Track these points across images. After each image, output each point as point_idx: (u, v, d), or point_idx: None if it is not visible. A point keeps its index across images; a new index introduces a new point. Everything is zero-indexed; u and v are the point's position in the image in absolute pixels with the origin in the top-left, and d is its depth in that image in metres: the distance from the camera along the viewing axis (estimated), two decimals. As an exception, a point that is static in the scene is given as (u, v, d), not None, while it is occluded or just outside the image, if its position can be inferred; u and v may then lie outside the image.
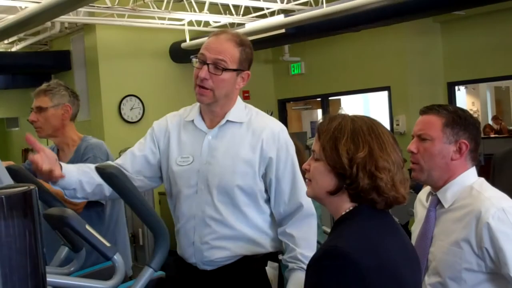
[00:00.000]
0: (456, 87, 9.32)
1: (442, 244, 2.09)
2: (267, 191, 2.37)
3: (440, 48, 8.86)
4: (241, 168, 2.31)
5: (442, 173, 2.12)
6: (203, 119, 2.40)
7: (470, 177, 2.13)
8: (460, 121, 2.10)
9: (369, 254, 1.48)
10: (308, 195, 1.69)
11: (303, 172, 2.42)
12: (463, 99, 13.97)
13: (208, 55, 2.27)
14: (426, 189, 2.28)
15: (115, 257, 1.78)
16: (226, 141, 2.34)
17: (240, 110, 2.39)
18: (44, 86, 3.13)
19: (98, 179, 2.22)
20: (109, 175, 1.91)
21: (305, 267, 2.29)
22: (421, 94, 8.50)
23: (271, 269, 2.37)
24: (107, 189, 2.31)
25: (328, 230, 4.60)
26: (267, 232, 2.38)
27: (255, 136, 2.34)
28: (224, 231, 2.31)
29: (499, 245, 1.92)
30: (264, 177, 2.35)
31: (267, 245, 2.37)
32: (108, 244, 1.77)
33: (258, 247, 2.35)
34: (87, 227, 1.73)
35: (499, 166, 2.84)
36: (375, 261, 1.48)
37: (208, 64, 2.26)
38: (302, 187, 2.34)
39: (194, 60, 2.33)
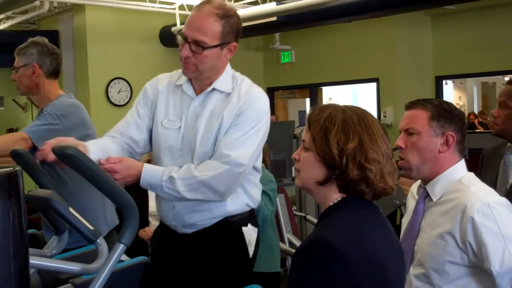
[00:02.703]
0: (444, 81, 9.38)
1: (427, 236, 2.10)
2: None
3: (429, 42, 8.90)
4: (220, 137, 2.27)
5: (431, 166, 2.13)
6: (192, 84, 2.39)
7: (459, 171, 2.14)
8: (445, 113, 2.12)
9: (356, 247, 1.48)
10: (297, 185, 1.68)
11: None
12: (450, 93, 14.05)
13: (188, 33, 2.26)
14: (418, 182, 2.29)
15: (98, 240, 1.77)
16: (210, 109, 2.33)
17: (227, 79, 2.36)
18: (21, 45, 3.13)
19: (115, 153, 2.28)
20: (67, 156, 1.90)
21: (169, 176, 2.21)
22: (409, 87, 8.54)
23: (250, 230, 2.37)
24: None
25: (314, 220, 4.63)
26: (245, 188, 2.36)
27: (237, 103, 2.28)
28: None
29: (481, 240, 1.94)
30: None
31: (244, 203, 2.37)
32: (91, 227, 1.75)
33: (237, 205, 2.34)
34: (71, 209, 1.72)
35: (487, 162, 2.85)
36: (361, 253, 1.48)
37: (189, 42, 2.25)
38: (246, 146, 2.24)
39: (178, 37, 2.34)
